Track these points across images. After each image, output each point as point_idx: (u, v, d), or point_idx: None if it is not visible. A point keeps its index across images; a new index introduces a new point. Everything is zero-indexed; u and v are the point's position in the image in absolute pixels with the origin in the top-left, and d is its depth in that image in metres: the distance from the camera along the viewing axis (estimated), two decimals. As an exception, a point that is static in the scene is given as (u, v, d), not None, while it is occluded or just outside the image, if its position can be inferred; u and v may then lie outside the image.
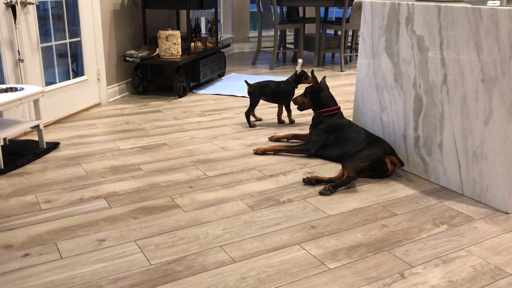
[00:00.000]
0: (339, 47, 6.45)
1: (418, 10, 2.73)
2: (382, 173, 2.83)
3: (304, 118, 4.01)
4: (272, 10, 6.11)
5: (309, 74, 3.59)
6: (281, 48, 6.93)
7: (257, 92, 3.77)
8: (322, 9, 6.76)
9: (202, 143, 3.40)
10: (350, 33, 6.99)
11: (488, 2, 2.67)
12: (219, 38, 5.59)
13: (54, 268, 1.91)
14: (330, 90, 3.31)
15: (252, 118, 3.95)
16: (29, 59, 3.42)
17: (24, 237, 2.13)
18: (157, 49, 4.59)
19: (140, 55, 4.48)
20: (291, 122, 3.89)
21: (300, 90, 3.85)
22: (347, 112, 3.86)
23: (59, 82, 3.86)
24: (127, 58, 4.50)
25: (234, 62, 6.74)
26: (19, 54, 3.31)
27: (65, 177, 2.77)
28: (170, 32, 4.48)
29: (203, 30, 6.53)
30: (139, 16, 4.80)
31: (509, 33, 2.29)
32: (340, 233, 2.21)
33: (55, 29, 3.84)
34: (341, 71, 6.20)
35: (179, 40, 4.55)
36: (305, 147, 3.16)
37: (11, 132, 2.96)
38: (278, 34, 6.36)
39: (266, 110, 4.27)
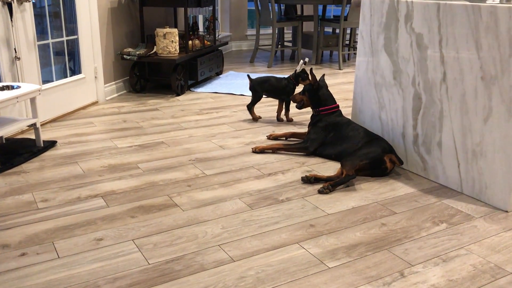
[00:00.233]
0: (337, 45, 6.44)
1: (417, 8, 2.72)
2: (381, 171, 2.82)
3: (302, 116, 4.00)
4: (270, 8, 6.09)
5: (309, 74, 3.58)
6: (279, 46, 6.91)
7: (258, 87, 3.81)
8: (320, 7, 6.74)
9: (200, 141, 3.38)
10: (348, 31, 6.97)
11: (487, -1, 2.66)
12: (217, 36, 5.57)
13: (51, 268, 1.89)
14: (329, 88, 3.30)
15: (259, 113, 4.00)
16: (25, 57, 3.40)
17: (20, 236, 2.11)
18: (155, 47, 4.56)
19: (137, 53, 4.45)
20: (288, 120, 3.88)
21: (300, 88, 3.84)
22: (346, 110, 3.84)
23: (56, 80, 3.83)
24: (124, 56, 4.47)
25: (232, 60, 6.72)
26: (15, 52, 3.28)
27: (62, 176, 2.75)
28: (167, 30, 4.46)
29: (201, 28, 6.51)
30: (137, 14, 4.78)
31: (509, 31, 2.28)
32: (339, 232, 2.20)
33: (52, 26, 3.81)
34: (339, 69, 6.19)
35: (177, 38, 4.53)
36: (303, 146, 3.14)
37: (7, 131, 2.93)
38: (276, 32, 6.34)
39: (265, 108, 4.25)
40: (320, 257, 2.00)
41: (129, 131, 3.58)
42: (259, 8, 6.36)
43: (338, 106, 3.19)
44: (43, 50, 3.69)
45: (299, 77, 3.66)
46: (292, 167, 2.95)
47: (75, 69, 4.15)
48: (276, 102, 4.40)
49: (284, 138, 3.44)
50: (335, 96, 3.26)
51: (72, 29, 4.01)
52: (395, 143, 2.99)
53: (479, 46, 2.42)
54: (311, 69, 3.24)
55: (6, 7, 3.18)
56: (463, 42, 2.49)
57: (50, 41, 3.76)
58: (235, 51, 7.66)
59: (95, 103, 4.31)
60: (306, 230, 2.21)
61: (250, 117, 3.95)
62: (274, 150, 3.18)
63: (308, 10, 7.59)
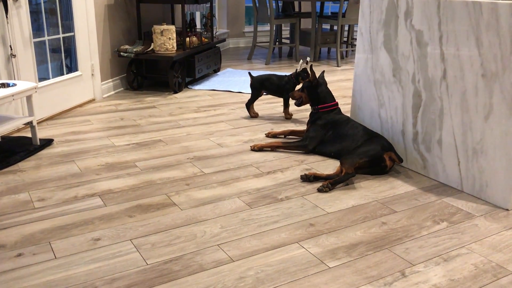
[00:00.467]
0: (335, 42, 6.41)
1: (417, 4, 2.70)
2: (381, 169, 2.80)
3: (301, 114, 3.98)
4: (268, 4, 6.06)
5: (309, 72, 3.56)
6: (277, 43, 6.88)
7: (258, 85, 3.83)
8: (318, 4, 6.71)
9: (198, 139, 3.35)
10: (346, 28, 6.94)
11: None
12: (214, 33, 5.54)
13: (48, 269, 1.86)
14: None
15: (258, 110, 4.00)
16: (21, 54, 3.36)
17: (17, 236, 2.08)
18: (152, 44, 4.53)
19: (134, 50, 4.42)
20: (287, 118, 3.85)
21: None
22: (344, 107, 3.81)
23: (53, 77, 3.80)
24: (121, 53, 4.44)
25: (229, 57, 6.69)
26: (11, 49, 3.25)
27: (59, 175, 2.72)
28: (165, 26, 4.42)
29: (198, 25, 6.47)
30: (134, 11, 4.74)
31: (510, 28, 2.26)
32: (339, 231, 2.18)
33: (48, 23, 3.78)
34: (337, 66, 6.17)
35: (174, 35, 4.50)
36: (302, 144, 3.12)
37: (3, 129, 2.90)
38: (274, 29, 6.31)
39: (263, 106, 4.22)
40: (320, 256, 1.98)
41: (126, 129, 3.55)
42: (257, 5, 6.32)
43: (337, 104, 3.17)
44: (39, 47, 3.65)
45: (300, 76, 3.64)
46: (291, 165, 2.92)
47: (72, 67, 4.11)
48: (275, 99, 4.38)
49: (282, 136, 3.42)
50: (333, 94, 3.23)
51: (69, 26, 3.98)
52: (395, 141, 2.97)
53: (479, 43, 2.40)
54: (311, 66, 3.22)
55: (1, 3, 3.14)
56: (464, 39, 2.47)
57: (46, 38, 3.73)
58: (233, 48, 7.63)
59: (92, 101, 4.28)
60: (306, 229, 2.18)
61: (248, 115, 3.93)
62: (272, 148, 3.16)
63: (306, 6, 7.56)
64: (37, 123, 3.31)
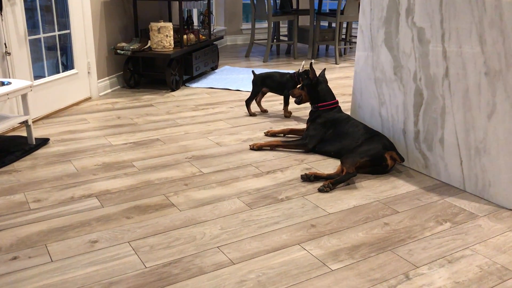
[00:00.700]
0: (333, 39, 6.37)
1: (419, 1, 2.66)
2: (382, 169, 2.76)
3: (300, 112, 3.94)
4: (266, 1, 6.01)
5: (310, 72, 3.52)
6: (275, 40, 6.84)
7: (259, 82, 3.81)
8: (316, 1, 6.65)
9: (196, 138, 3.31)
10: (344, 25, 6.90)
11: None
12: (212, 30, 5.49)
13: (44, 272, 1.82)
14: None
15: (257, 109, 3.95)
16: (16, 52, 3.31)
17: (12, 239, 2.04)
18: (149, 41, 4.48)
19: (131, 47, 4.37)
20: (286, 116, 3.81)
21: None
22: (344, 105, 3.76)
23: (48, 75, 3.75)
24: (118, 51, 4.39)
25: (227, 55, 6.64)
26: (5, 47, 3.19)
27: (55, 175, 2.68)
28: (162, 24, 4.37)
29: (195, 22, 6.41)
30: (130, 8, 4.68)
31: (514, 25, 2.22)
32: (341, 232, 2.14)
33: (43, 21, 3.72)
34: (336, 63, 6.12)
35: (171, 32, 4.45)
36: (302, 142, 3.08)
37: (-2, 128, 2.85)
38: (272, 26, 6.26)
39: (263, 103, 4.17)
40: (323, 258, 1.94)
41: (124, 127, 3.50)
42: (254, 1, 6.27)
43: (337, 102, 3.13)
44: (34, 45, 3.60)
45: (300, 77, 3.58)
46: (291, 164, 2.88)
47: (68, 65, 4.06)
48: (274, 97, 4.33)
49: (282, 135, 3.38)
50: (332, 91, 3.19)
51: (64, 23, 3.92)
52: (396, 139, 2.94)
53: (483, 41, 2.36)
54: (311, 64, 3.17)
55: (-5, 0, 3.09)
56: (467, 36, 2.43)
57: (41, 36, 3.67)
58: (230, 45, 7.58)
59: (88, 99, 4.22)
60: (307, 231, 2.15)
61: (246, 113, 3.88)
62: (272, 147, 3.12)
63: (304, 3, 7.50)
64: (33, 122, 3.26)
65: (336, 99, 3.14)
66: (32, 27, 3.59)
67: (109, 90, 4.52)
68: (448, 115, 2.59)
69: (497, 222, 2.25)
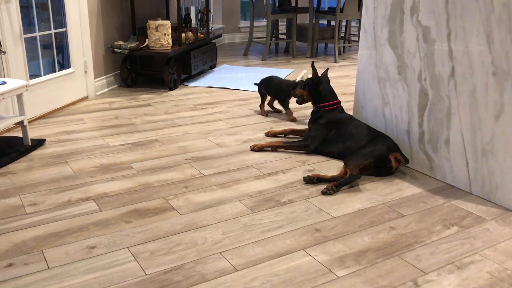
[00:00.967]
0: (332, 37, 6.31)
1: (424, 0, 2.60)
2: (386, 170, 2.70)
3: (301, 112, 3.87)
4: (264, -1, 5.95)
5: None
6: (273, 38, 6.77)
7: (260, 86, 3.85)
8: (315, -1, 6.60)
9: (195, 139, 3.25)
10: (343, 23, 6.84)
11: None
12: (210, 28, 5.42)
13: (40, 280, 1.75)
14: (329, 83, 3.17)
15: (267, 108, 3.91)
16: (11, 51, 3.23)
17: (7, 244, 1.97)
18: (147, 40, 4.40)
19: (129, 46, 4.30)
20: (291, 119, 3.70)
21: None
22: (345, 105, 3.70)
23: (44, 74, 3.67)
24: (115, 49, 4.31)
25: (225, 53, 6.57)
26: (0, 45, 3.11)
27: (51, 177, 2.61)
28: (160, 22, 4.30)
29: (193, 20, 6.34)
30: (127, 6, 4.60)
31: (524, 24, 2.17)
32: (346, 237, 2.08)
33: (39, 19, 3.64)
34: (335, 62, 6.06)
35: (170, 31, 4.38)
36: (304, 143, 3.02)
37: (-7, 129, 2.78)
38: (270, 24, 6.19)
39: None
40: (328, 265, 1.88)
41: (121, 128, 3.44)
42: (253, -1, 6.20)
43: (339, 102, 3.07)
44: (30, 44, 3.52)
45: (296, 86, 3.43)
46: (293, 166, 2.82)
47: (64, 63, 3.98)
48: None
49: (283, 135, 3.32)
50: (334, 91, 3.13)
51: (61, 21, 3.85)
52: (400, 140, 2.88)
53: (490, 40, 2.31)
54: (312, 63, 3.10)
55: (-10, -2, 3.02)
56: (474, 35, 2.38)
57: (37, 34, 3.59)
58: (228, 43, 7.51)
59: (85, 99, 4.15)
60: (312, 235, 2.09)
61: (246, 113, 3.83)
62: (273, 148, 3.05)
63: (302, 1, 7.44)
64: (28, 122, 3.19)
65: (339, 99, 3.08)
66: (27, 25, 3.51)
67: (106, 89, 4.45)
68: (454, 116, 2.54)
69: (505, 226, 2.20)
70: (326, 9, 7.27)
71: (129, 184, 2.54)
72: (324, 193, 2.47)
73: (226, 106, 4.04)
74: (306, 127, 3.23)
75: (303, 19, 7.74)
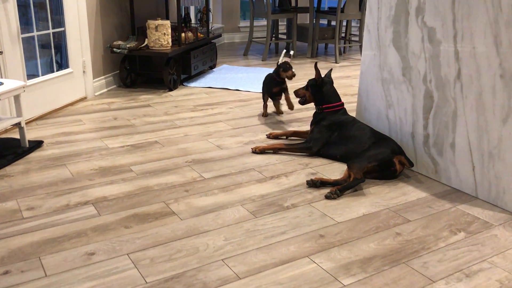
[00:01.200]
0: (333, 37, 6.26)
1: (429, 0, 2.55)
2: (390, 174, 2.66)
3: (303, 113, 3.82)
4: (265, -1, 5.89)
5: (290, 66, 3.46)
6: (273, 38, 6.72)
7: (262, 86, 3.80)
8: (316, -2, 6.55)
9: (196, 141, 3.19)
10: (344, 23, 6.79)
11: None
12: (210, 28, 5.36)
13: (37, 288, 1.70)
14: (330, 84, 3.11)
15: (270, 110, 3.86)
16: (9, 51, 3.17)
17: (3, 251, 1.92)
18: (146, 39, 4.35)
19: (128, 46, 4.24)
20: (277, 112, 3.77)
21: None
22: (347, 107, 3.66)
23: (42, 75, 3.61)
24: (114, 49, 4.26)
25: (225, 53, 6.52)
26: (-3, 45, 3.06)
27: (49, 180, 2.55)
28: (159, 21, 4.24)
29: (193, 20, 6.28)
30: (127, 5, 4.55)
31: (533, 25, 2.12)
32: (351, 243, 2.03)
33: (37, 18, 3.59)
34: (336, 62, 6.01)
35: (169, 30, 4.32)
36: (306, 146, 2.97)
37: (-11, 131, 2.73)
38: (270, 24, 6.14)
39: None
40: (334, 272, 1.83)
41: (120, 129, 3.38)
42: (253, -1, 6.15)
43: (343, 104, 3.02)
44: (27, 43, 3.47)
45: (280, 68, 3.49)
46: (295, 169, 2.77)
47: (62, 63, 3.93)
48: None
49: (284, 137, 3.27)
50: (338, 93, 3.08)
51: (59, 20, 3.79)
52: (404, 143, 2.83)
53: (498, 42, 2.26)
54: (315, 64, 3.04)
55: (-13, -3, 2.96)
56: (481, 37, 2.33)
57: (35, 33, 3.54)
58: (228, 43, 7.45)
59: (83, 99, 4.09)
60: (316, 241, 2.04)
61: (247, 114, 3.78)
62: (275, 151, 3.00)
63: (302, 1, 7.39)
64: (26, 123, 3.14)
65: (342, 100, 3.03)
66: (25, 24, 3.45)
67: (105, 90, 4.39)
68: (460, 119, 2.49)
69: (513, 232, 2.16)
70: (326, 9, 7.22)
71: (129, 188, 2.49)
72: (327, 197, 2.42)
73: (226, 107, 3.99)
74: (308, 128, 3.18)
75: (303, 19, 7.70)
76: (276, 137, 3.26)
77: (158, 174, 2.66)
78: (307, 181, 2.56)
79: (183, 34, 4.56)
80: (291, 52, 3.74)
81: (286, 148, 2.99)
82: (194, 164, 2.81)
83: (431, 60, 2.60)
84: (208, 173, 2.69)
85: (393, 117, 2.90)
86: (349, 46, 7.07)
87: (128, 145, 3.08)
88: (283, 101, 3.72)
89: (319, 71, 3.01)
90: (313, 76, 3.10)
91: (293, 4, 6.86)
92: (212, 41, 5.31)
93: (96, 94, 4.23)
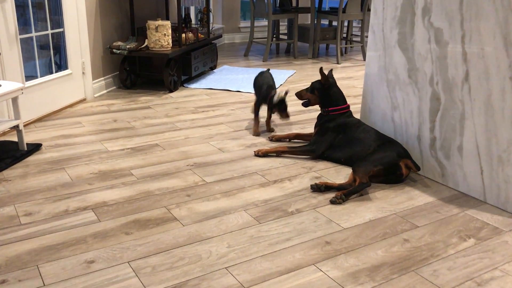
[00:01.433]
0: (334, 38, 6.21)
1: (436, 0, 2.49)
2: (396, 178, 2.60)
3: (305, 115, 3.77)
4: (266, -1, 5.84)
5: (286, 106, 3.15)
6: (274, 39, 6.66)
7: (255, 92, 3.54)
8: (317, -1, 6.49)
9: (197, 143, 3.14)
10: (345, 23, 6.73)
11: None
12: (210, 28, 5.30)
13: (35, 299, 1.65)
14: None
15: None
16: (6, 52, 3.12)
17: (0, 259, 1.86)
18: (146, 40, 4.29)
19: (127, 47, 4.18)
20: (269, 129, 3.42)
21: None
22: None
23: (41, 76, 3.55)
24: (114, 50, 4.20)
25: (225, 54, 6.46)
26: (-5, 46, 3.00)
27: (48, 184, 2.50)
28: (160, 22, 4.19)
29: (193, 20, 6.22)
30: (126, 5, 4.49)
31: (544, 26, 2.06)
32: (358, 250, 1.98)
33: (35, 19, 3.53)
34: (338, 63, 5.96)
35: (170, 31, 4.27)
36: (310, 148, 2.91)
37: (-13, 134, 2.67)
38: (271, 24, 6.08)
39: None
40: (341, 281, 1.78)
41: (120, 132, 3.32)
42: (254, -1, 6.09)
43: (348, 106, 2.96)
44: (26, 44, 3.41)
45: (276, 106, 3.16)
46: (299, 172, 2.72)
47: (61, 64, 3.87)
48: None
49: (287, 140, 3.21)
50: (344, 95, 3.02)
51: (58, 21, 3.73)
52: (410, 146, 2.78)
53: (508, 43, 2.20)
54: (321, 68, 2.95)
55: (-16, -3, 2.90)
56: (490, 38, 2.27)
57: (33, 34, 3.48)
58: (228, 44, 7.40)
59: (83, 101, 4.04)
60: (322, 248, 1.98)
61: (249, 116, 3.71)
62: (278, 154, 2.95)
63: (303, 1, 7.34)
64: (24, 125, 3.08)
65: (348, 103, 2.97)
66: (23, 25, 3.40)
67: (105, 91, 4.33)
68: (468, 122, 2.44)
69: (524, 238, 2.10)
70: (327, 9, 7.17)
71: (129, 192, 2.43)
72: (333, 202, 2.37)
73: (227, 109, 3.93)
74: (311, 130, 3.13)
75: (304, 19, 7.65)
76: (278, 139, 3.21)
77: (159, 178, 2.60)
78: (311, 185, 2.50)
79: (183, 35, 4.51)
80: (288, 91, 3.21)
81: (290, 151, 2.94)
82: (195, 168, 2.75)
83: (438, 62, 2.54)
84: (210, 177, 2.64)
85: (398, 120, 2.84)
86: (351, 47, 7.02)
87: (128, 148, 3.02)
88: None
89: (325, 75, 2.93)
90: (314, 78, 3.03)
91: (294, 4, 6.80)
92: (212, 41, 5.25)
93: (95, 95, 4.17)
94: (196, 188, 2.50)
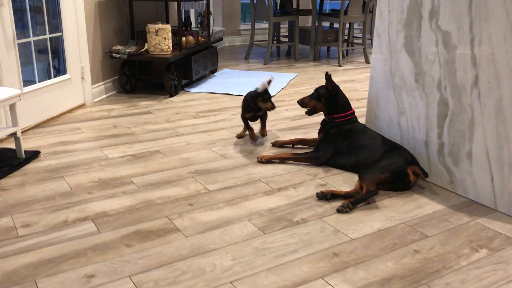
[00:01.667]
0: (335, 40, 6.15)
1: (444, 3, 2.43)
2: (404, 185, 2.53)
3: (308, 120, 3.70)
4: (266, 1, 5.77)
5: (270, 96, 3.05)
6: (275, 41, 6.60)
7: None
8: (318, 1, 6.42)
9: (199, 150, 3.07)
10: (346, 25, 6.67)
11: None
12: (211, 31, 5.24)
13: (33, 316, 1.58)
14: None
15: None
16: (4, 57, 3.05)
17: (-3, 274, 1.79)
18: (146, 44, 4.23)
19: (127, 51, 4.12)
20: (259, 136, 3.33)
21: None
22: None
23: (39, 81, 3.49)
24: (113, 54, 4.13)
25: (225, 57, 6.40)
26: (-8, 52, 2.94)
27: (46, 194, 2.43)
28: (160, 25, 4.12)
29: (193, 24, 6.16)
30: (126, 9, 4.43)
31: (558, 30, 2.00)
32: (368, 262, 1.91)
33: (33, 23, 3.47)
34: (339, 66, 5.90)
35: (170, 35, 4.20)
36: (314, 155, 2.85)
37: (-17, 142, 2.60)
38: (272, 26, 6.02)
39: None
40: (351, 296, 1.71)
41: (120, 138, 3.26)
42: (254, 1, 6.03)
43: (354, 112, 2.89)
44: (24, 48, 3.34)
45: (259, 97, 3.05)
46: (303, 180, 2.65)
47: (60, 69, 3.80)
48: (281, 104, 4.10)
49: (291, 146, 3.14)
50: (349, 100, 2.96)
51: (56, 25, 3.67)
52: (417, 152, 2.71)
53: (519, 47, 2.14)
54: (329, 75, 2.85)
55: (-20, 2, 2.84)
56: (500, 41, 2.21)
57: (31, 39, 3.41)
58: (228, 46, 7.34)
59: (82, 106, 3.97)
60: (330, 261, 1.91)
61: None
62: (281, 160, 2.88)
63: (304, 3, 7.28)
64: (22, 132, 3.02)
65: (353, 108, 2.91)
66: (21, 28, 3.33)
67: (104, 96, 4.27)
68: (478, 127, 2.37)
69: (538, 248, 2.03)
70: (328, 11, 7.11)
71: (130, 202, 2.36)
72: (339, 211, 2.30)
73: (229, 114, 3.86)
74: (316, 136, 3.06)
75: (305, 21, 7.59)
76: (281, 145, 3.14)
77: (161, 186, 2.54)
78: (317, 193, 2.44)
79: (184, 38, 4.44)
80: (272, 77, 3.12)
81: (294, 157, 2.87)
82: (197, 175, 2.68)
83: (446, 66, 2.48)
84: (213, 185, 2.57)
85: (405, 125, 2.78)
86: (352, 49, 6.96)
87: (129, 155, 2.96)
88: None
89: (333, 81, 2.84)
90: (316, 81, 2.96)
91: (295, 6, 6.74)
92: (213, 45, 5.19)
93: (95, 100, 4.11)
94: (199, 197, 2.43)
